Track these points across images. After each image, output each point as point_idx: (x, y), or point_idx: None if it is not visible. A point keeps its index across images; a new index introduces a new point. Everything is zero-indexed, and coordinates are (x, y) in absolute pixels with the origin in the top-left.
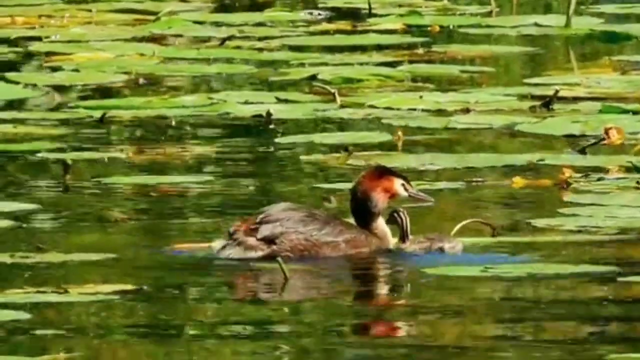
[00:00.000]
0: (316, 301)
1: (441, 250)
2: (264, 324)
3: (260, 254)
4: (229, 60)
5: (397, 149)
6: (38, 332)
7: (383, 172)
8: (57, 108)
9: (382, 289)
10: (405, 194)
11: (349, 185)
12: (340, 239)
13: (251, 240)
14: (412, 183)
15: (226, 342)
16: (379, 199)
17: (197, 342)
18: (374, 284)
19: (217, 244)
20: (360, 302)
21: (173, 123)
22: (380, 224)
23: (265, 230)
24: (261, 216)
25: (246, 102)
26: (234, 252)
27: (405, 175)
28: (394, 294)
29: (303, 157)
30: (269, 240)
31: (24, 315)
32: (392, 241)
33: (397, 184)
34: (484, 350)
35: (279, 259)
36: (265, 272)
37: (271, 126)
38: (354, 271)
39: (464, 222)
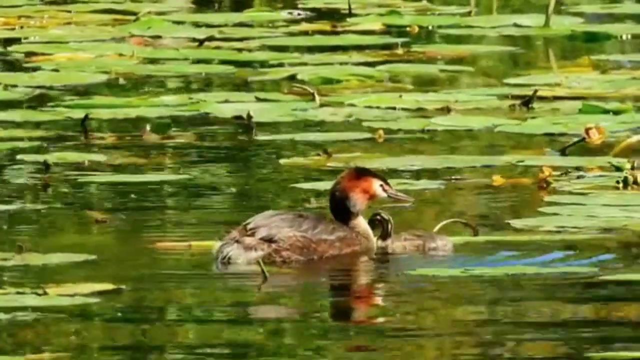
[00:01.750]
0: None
1: (434, 249)
2: (244, 319)
3: (260, 253)
4: (209, 61)
5: (378, 145)
6: (18, 332)
7: (361, 173)
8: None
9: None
10: (384, 194)
11: (328, 186)
12: (334, 237)
13: (250, 240)
14: (392, 183)
15: (207, 342)
16: (358, 200)
17: (177, 343)
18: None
19: (215, 245)
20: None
21: (148, 128)
22: (361, 223)
23: (262, 232)
24: (250, 226)
25: (226, 101)
26: (234, 252)
27: (385, 175)
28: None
29: (283, 158)
30: (268, 240)
31: (3, 316)
32: (374, 240)
33: (376, 185)
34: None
35: (259, 260)
36: (245, 272)
37: (251, 127)
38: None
39: (444, 222)
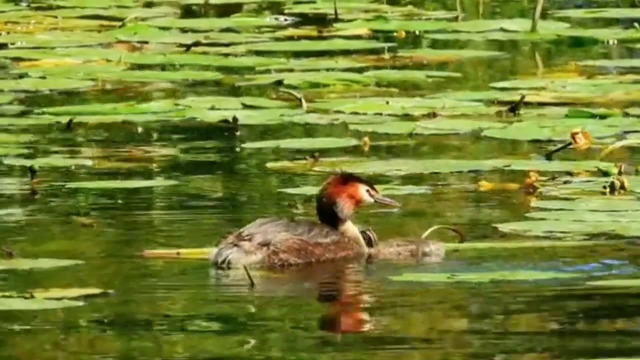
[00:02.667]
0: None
1: (427, 253)
2: (231, 329)
3: (260, 256)
4: (195, 67)
5: (364, 153)
6: (6, 337)
7: (347, 179)
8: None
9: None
10: (370, 200)
11: (315, 191)
12: (329, 240)
13: (247, 245)
14: (379, 188)
15: (194, 346)
16: (345, 206)
17: (165, 342)
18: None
19: (212, 250)
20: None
21: (139, 130)
22: (350, 228)
23: (259, 238)
24: (245, 233)
25: (212, 108)
26: (234, 255)
27: (371, 180)
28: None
29: (269, 163)
30: (266, 244)
31: None
32: (364, 244)
33: (362, 190)
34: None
35: (245, 265)
36: (231, 275)
37: (237, 132)
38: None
39: (432, 228)
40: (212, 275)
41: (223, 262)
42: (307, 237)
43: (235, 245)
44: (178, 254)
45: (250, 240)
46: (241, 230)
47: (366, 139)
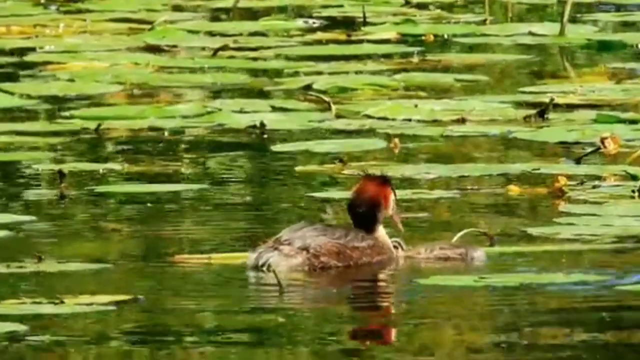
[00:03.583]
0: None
1: (475, 258)
2: (261, 332)
3: (300, 260)
4: (223, 70)
5: (394, 156)
6: (34, 343)
7: (385, 182)
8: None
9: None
10: (391, 211)
11: (344, 195)
12: (365, 244)
13: (287, 249)
14: (408, 192)
15: (223, 352)
16: (381, 207)
17: (194, 352)
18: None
19: (250, 255)
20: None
21: (166, 134)
22: (382, 233)
23: (298, 242)
24: (284, 238)
25: (241, 111)
26: (274, 258)
27: (401, 184)
28: None
29: (298, 166)
30: (304, 248)
31: (20, 327)
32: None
33: (392, 198)
34: None
35: (273, 269)
36: (260, 280)
37: (265, 136)
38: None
39: (462, 232)
40: (244, 279)
41: (263, 265)
42: (345, 241)
43: (276, 249)
44: (209, 258)
45: (289, 244)
46: (279, 235)
47: (396, 140)
